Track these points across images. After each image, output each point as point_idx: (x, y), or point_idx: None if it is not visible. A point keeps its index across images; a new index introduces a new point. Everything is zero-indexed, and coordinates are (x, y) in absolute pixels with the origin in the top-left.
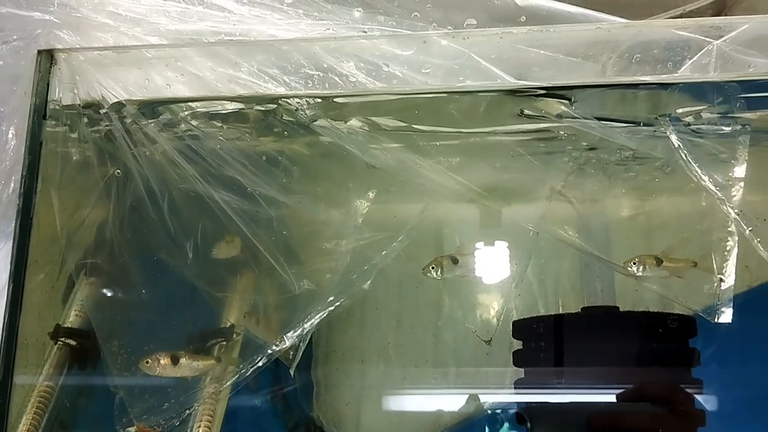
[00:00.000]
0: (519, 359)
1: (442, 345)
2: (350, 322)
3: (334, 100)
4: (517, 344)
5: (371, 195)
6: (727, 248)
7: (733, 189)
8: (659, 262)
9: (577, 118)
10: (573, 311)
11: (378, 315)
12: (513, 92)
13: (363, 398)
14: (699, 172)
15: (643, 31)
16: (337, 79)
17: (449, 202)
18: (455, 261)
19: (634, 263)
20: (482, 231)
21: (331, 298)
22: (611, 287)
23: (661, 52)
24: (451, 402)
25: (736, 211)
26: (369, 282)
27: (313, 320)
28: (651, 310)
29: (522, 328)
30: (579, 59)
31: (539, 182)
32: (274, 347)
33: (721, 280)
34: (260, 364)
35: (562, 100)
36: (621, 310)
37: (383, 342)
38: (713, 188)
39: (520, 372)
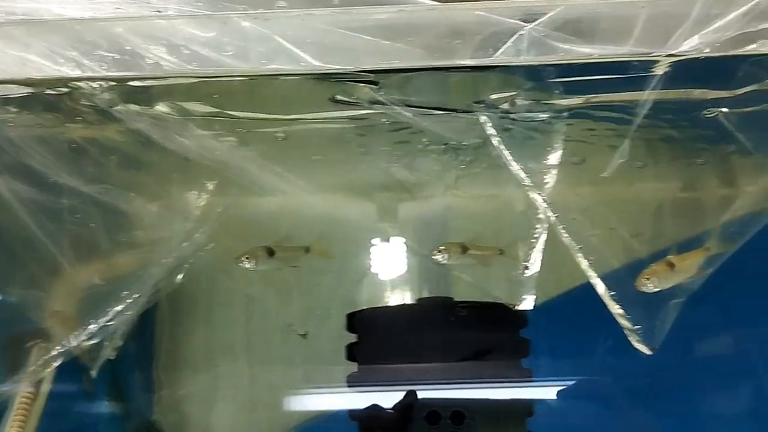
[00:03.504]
0: (352, 353)
1: (293, 342)
2: (196, 320)
3: (131, 83)
4: (352, 337)
5: (210, 186)
6: (536, 236)
7: (546, 176)
8: (464, 249)
9: (386, 104)
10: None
11: (226, 312)
12: (319, 76)
13: (209, 399)
14: (511, 159)
15: (446, 14)
16: (133, 60)
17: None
18: (271, 252)
19: (440, 251)
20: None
21: (126, 293)
22: (447, 277)
23: (472, 36)
24: (302, 400)
25: (544, 198)
26: (180, 276)
27: (108, 317)
28: (484, 300)
29: (356, 320)
30: (386, 42)
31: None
32: (64, 346)
33: (526, 267)
34: (54, 365)
35: (370, 85)
36: (456, 300)
37: (231, 340)
38: (523, 175)
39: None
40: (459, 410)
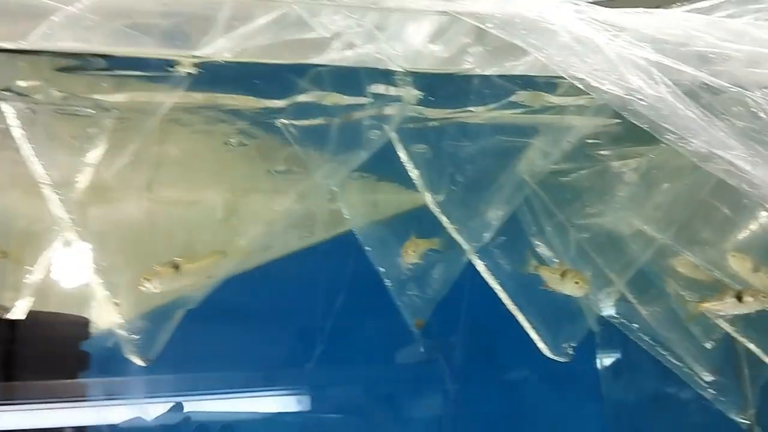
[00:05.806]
0: None
1: None
2: None
3: None
4: None
5: None
6: (48, 239)
7: (77, 176)
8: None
9: None
10: None
11: None
12: None
13: None
14: (32, 153)
15: None
16: None
17: None
18: None
19: None
20: None
21: None
22: None
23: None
24: None
25: (62, 198)
26: None
27: None
28: (43, 311)
29: None
30: None
31: None
32: None
33: (30, 272)
34: None
35: None
36: None
37: None
38: (42, 173)
39: None
40: (228, 423)
